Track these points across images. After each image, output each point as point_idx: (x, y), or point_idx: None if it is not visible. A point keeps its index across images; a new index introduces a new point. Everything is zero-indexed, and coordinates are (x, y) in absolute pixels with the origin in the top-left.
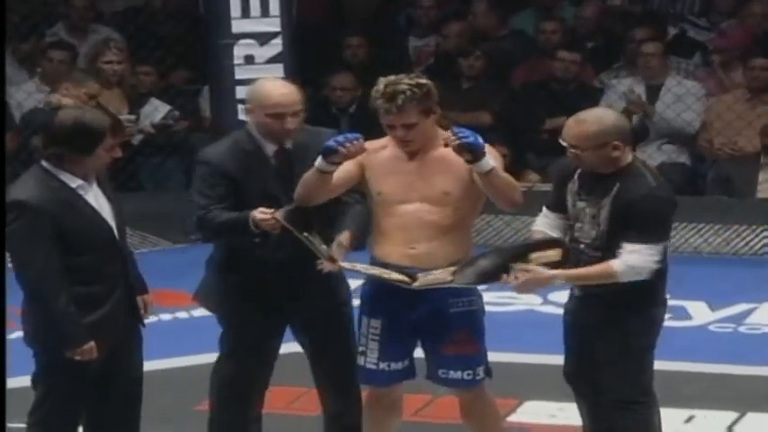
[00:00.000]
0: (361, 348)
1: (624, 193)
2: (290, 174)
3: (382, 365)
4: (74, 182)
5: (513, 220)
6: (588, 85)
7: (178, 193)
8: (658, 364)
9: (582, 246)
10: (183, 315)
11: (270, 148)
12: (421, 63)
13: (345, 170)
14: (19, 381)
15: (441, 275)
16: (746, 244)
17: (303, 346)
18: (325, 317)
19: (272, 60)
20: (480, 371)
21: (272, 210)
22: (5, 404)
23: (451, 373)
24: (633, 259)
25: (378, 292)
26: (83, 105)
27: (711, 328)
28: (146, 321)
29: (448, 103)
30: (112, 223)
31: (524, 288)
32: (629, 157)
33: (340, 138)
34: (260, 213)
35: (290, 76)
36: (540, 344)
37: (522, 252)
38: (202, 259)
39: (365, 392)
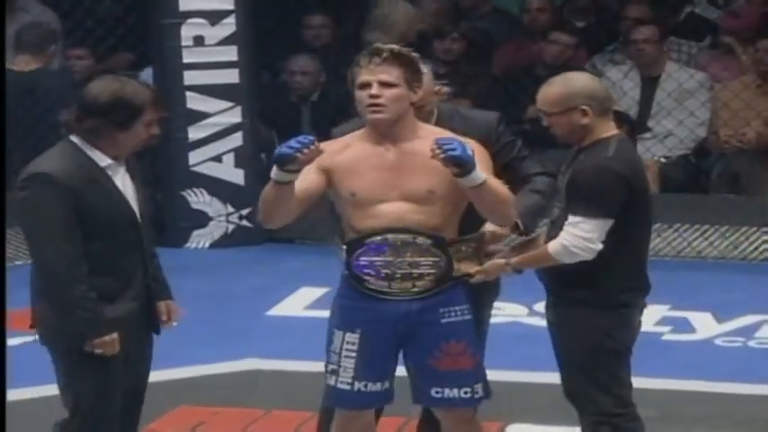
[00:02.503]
0: (332, 366)
1: (578, 164)
2: None
3: (358, 385)
4: (103, 161)
5: None
6: (579, 69)
7: None
8: (659, 383)
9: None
10: None
11: None
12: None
13: (307, 179)
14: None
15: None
16: (756, 248)
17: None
18: None
19: (224, 42)
20: (479, 389)
21: None
22: (5, 404)
23: (447, 391)
24: (567, 237)
25: (356, 302)
26: (120, 77)
27: (718, 342)
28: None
29: None
30: (136, 210)
31: (489, 276)
32: (605, 131)
33: (292, 142)
34: None
35: (244, 58)
36: (526, 360)
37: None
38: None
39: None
